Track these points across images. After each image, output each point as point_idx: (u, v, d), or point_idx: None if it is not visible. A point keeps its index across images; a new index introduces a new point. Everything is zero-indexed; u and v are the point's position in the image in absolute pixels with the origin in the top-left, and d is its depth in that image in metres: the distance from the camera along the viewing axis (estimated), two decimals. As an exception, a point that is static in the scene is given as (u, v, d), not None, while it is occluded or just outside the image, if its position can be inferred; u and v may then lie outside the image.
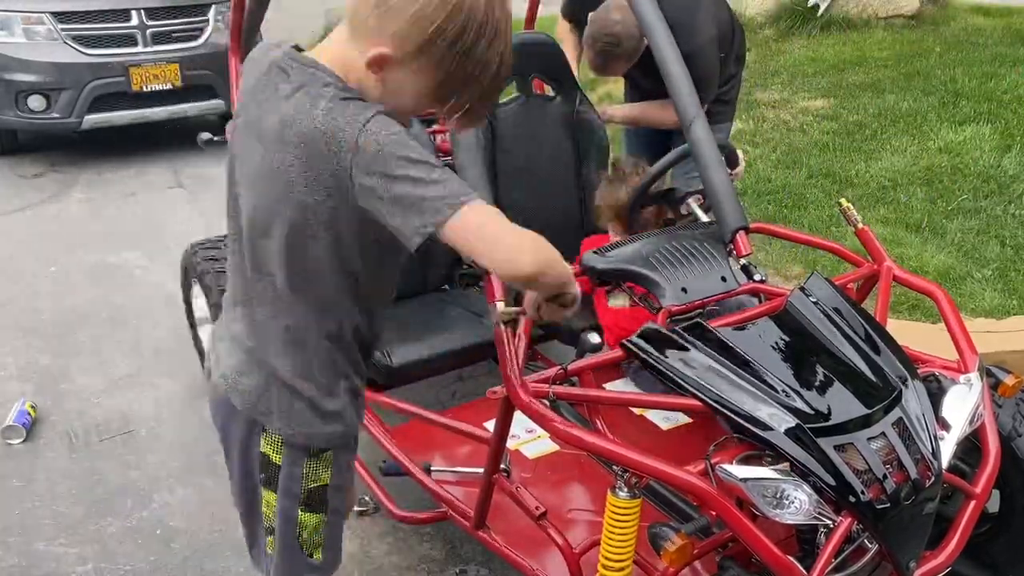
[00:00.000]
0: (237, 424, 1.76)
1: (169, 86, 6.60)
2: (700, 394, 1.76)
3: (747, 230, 2.30)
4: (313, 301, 1.63)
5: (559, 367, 1.88)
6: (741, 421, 1.72)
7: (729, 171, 2.40)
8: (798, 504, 1.67)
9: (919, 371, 1.95)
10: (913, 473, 1.72)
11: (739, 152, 2.59)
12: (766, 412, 1.71)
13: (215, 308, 3.32)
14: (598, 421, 2.53)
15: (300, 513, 1.78)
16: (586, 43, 3.23)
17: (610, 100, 7.42)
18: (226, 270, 1.77)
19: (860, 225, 2.35)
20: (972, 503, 1.93)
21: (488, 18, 1.46)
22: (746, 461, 1.75)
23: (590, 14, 3.23)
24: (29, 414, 3.43)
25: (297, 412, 1.69)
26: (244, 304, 1.71)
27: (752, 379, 1.78)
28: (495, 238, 1.45)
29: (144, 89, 6.54)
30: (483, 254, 1.45)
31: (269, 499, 1.79)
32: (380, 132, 1.41)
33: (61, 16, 6.33)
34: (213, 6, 6.82)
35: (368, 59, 1.46)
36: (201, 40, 6.75)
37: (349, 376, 1.74)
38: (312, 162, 1.45)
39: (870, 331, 1.96)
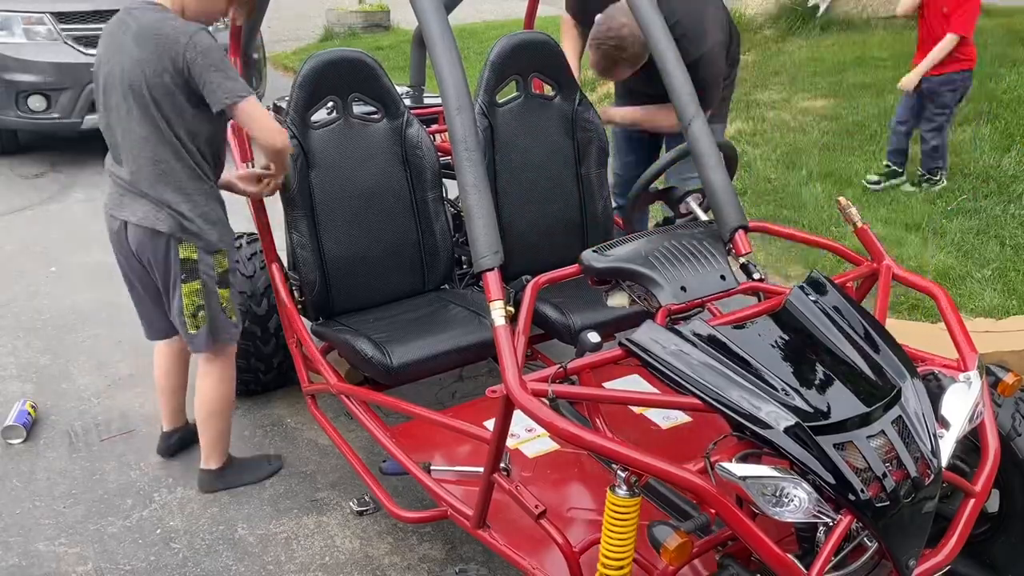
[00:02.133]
0: (157, 244, 2.65)
1: (169, 86, 6.59)
2: (700, 393, 1.76)
3: (746, 229, 2.30)
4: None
5: (559, 366, 1.88)
6: (741, 419, 1.72)
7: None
8: (797, 502, 1.67)
9: (918, 370, 1.95)
10: (912, 471, 1.72)
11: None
12: (765, 411, 1.71)
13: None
14: (598, 420, 2.54)
15: (219, 289, 2.77)
16: (591, 45, 3.14)
17: (610, 100, 7.43)
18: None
19: (859, 224, 2.36)
20: (971, 502, 1.93)
21: None
22: (745, 459, 1.76)
23: (597, 15, 3.12)
24: (29, 414, 3.43)
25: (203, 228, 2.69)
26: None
27: (751, 378, 1.78)
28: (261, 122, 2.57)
29: (144, 89, 6.53)
30: (252, 130, 2.60)
31: (190, 288, 2.71)
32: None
33: (61, 16, 6.33)
34: (213, 6, 6.81)
35: None
36: (201, 40, 6.75)
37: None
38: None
39: (869, 330, 1.96)
